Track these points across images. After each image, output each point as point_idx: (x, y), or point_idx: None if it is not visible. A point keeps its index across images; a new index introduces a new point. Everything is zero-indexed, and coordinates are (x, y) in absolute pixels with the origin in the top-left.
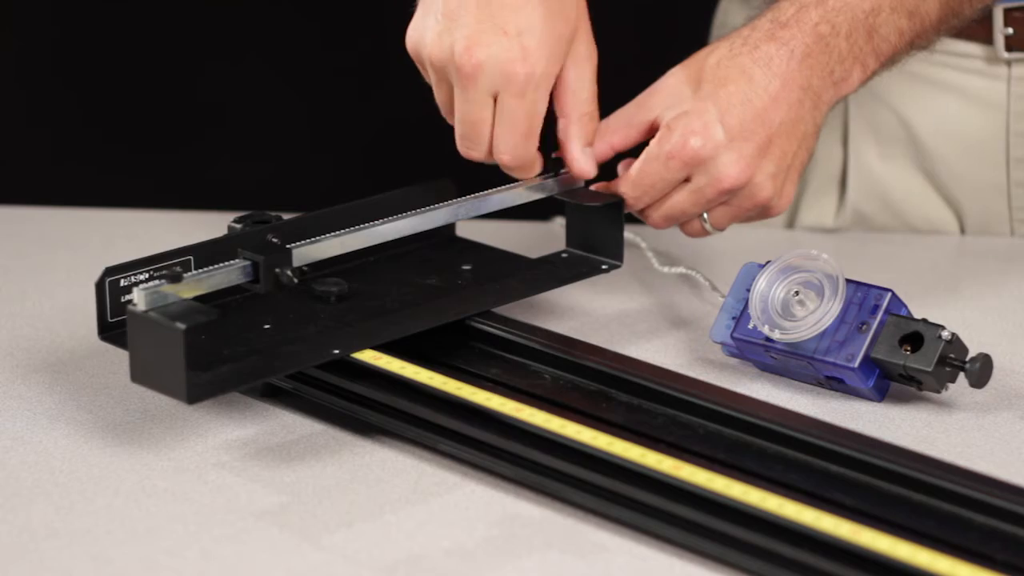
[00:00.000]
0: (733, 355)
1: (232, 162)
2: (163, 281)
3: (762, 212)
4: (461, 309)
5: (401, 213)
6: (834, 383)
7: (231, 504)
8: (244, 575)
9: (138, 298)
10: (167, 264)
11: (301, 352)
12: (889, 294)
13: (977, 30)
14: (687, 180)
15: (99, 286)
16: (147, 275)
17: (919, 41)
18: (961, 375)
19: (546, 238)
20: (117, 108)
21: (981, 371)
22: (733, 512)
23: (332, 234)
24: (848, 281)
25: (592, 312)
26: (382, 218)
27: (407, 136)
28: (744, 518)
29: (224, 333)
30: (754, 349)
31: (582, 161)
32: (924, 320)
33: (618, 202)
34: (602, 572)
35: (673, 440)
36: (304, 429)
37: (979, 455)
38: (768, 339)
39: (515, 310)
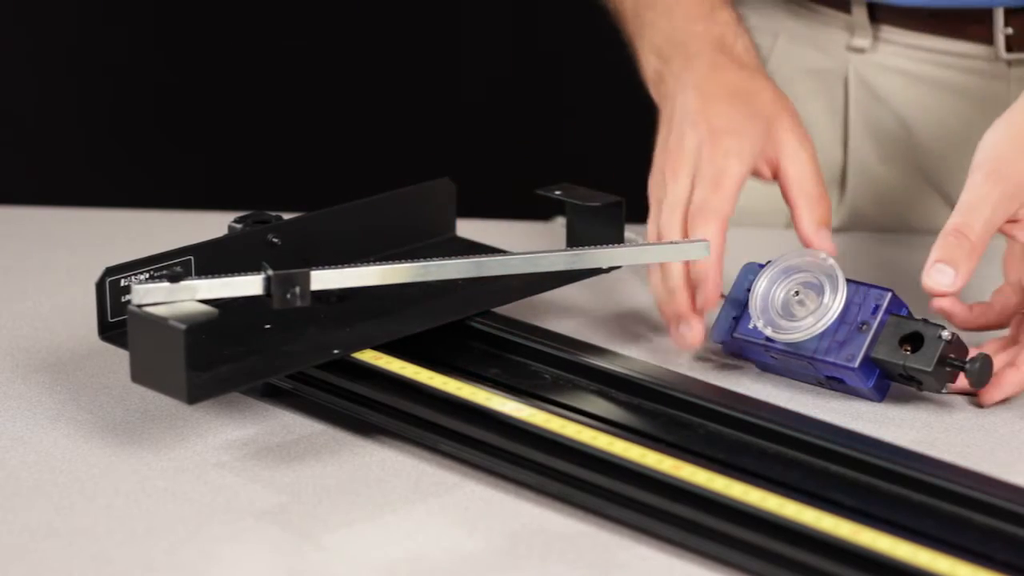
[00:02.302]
0: (733, 355)
1: (232, 162)
2: (164, 281)
3: None
4: (461, 309)
5: (460, 254)
6: (834, 383)
7: (231, 504)
8: (244, 575)
9: (138, 297)
10: (167, 264)
11: (301, 352)
12: (889, 294)
13: (977, 31)
14: None
15: (99, 286)
16: (147, 275)
17: None
18: (961, 376)
19: (546, 238)
20: (117, 108)
21: (981, 371)
22: (733, 512)
23: (365, 265)
24: (848, 281)
25: (592, 312)
26: (381, 219)
27: (407, 136)
28: (744, 518)
29: (224, 333)
30: (754, 349)
31: (816, 239)
32: (924, 320)
33: (618, 202)
34: (602, 572)
35: (673, 440)
36: (304, 429)
37: (979, 455)
38: (768, 339)
39: (515, 310)
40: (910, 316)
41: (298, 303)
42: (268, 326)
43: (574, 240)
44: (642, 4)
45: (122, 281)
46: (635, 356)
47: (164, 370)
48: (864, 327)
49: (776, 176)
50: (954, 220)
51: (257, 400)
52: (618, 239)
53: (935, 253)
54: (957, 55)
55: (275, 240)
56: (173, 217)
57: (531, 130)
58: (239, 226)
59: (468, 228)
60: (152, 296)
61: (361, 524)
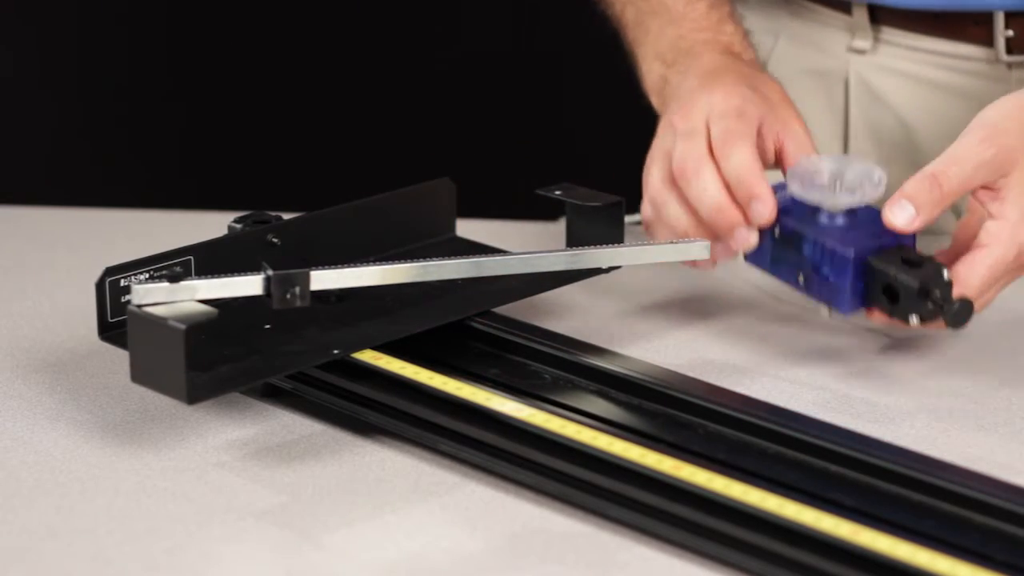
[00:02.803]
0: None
1: (232, 162)
2: (164, 281)
3: None
4: (461, 309)
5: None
6: (814, 279)
7: (231, 504)
8: (244, 575)
9: (138, 297)
10: (167, 264)
11: (301, 352)
12: (914, 237)
13: (978, 33)
14: None
15: (99, 286)
16: (147, 275)
17: None
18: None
19: (546, 238)
20: (117, 108)
21: (959, 312)
22: (733, 512)
23: (368, 265)
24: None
25: (592, 312)
26: (381, 219)
27: (407, 136)
28: (744, 518)
29: (224, 333)
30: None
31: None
32: (936, 261)
33: (618, 202)
34: (602, 572)
35: (673, 440)
36: (304, 429)
37: (979, 455)
38: (791, 205)
39: (515, 310)
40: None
41: (298, 303)
42: (268, 326)
43: (574, 240)
44: (646, 12)
45: (122, 281)
46: (635, 356)
47: (164, 370)
48: (877, 236)
49: (777, 154)
50: (934, 166)
51: (257, 400)
52: (618, 239)
53: (905, 188)
54: (958, 57)
55: (275, 240)
56: (173, 217)
57: (531, 130)
58: (239, 226)
59: (468, 228)
60: (152, 296)
61: (361, 524)
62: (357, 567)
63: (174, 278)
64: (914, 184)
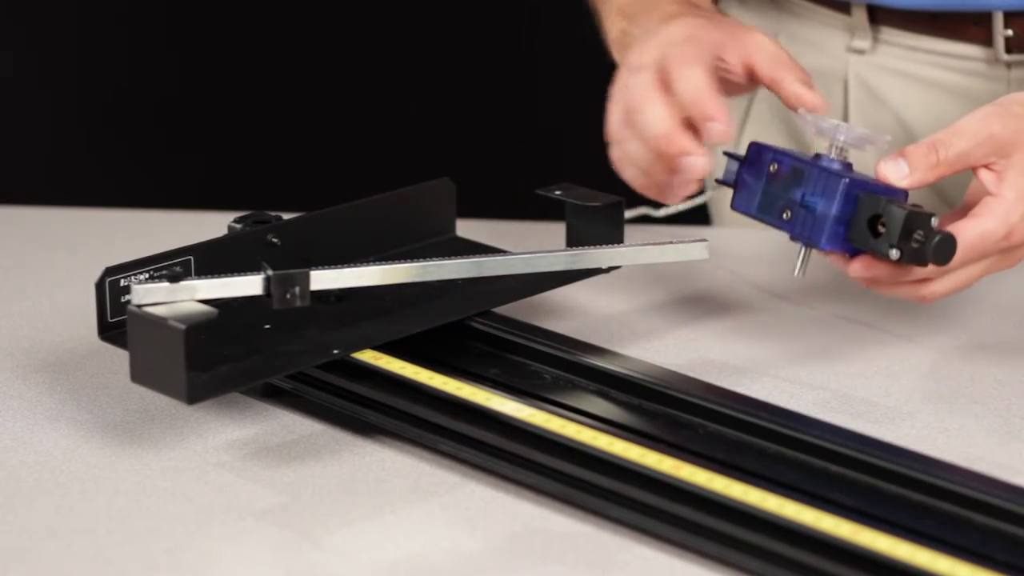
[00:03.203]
0: (726, 181)
1: (232, 162)
2: (163, 281)
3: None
4: (461, 309)
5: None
6: (800, 214)
7: (231, 504)
8: (244, 575)
9: (138, 297)
10: (167, 264)
11: (301, 352)
12: (905, 193)
13: (977, 32)
14: None
15: (99, 286)
16: (147, 275)
17: None
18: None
19: (546, 238)
20: (117, 108)
21: (941, 244)
22: (733, 512)
23: (371, 264)
24: None
25: (592, 312)
26: (381, 219)
27: (407, 136)
28: (744, 518)
29: (224, 333)
30: (763, 162)
31: (807, 96)
32: (929, 211)
33: (618, 202)
34: (602, 572)
35: (673, 440)
36: (304, 429)
37: (979, 455)
38: (787, 152)
39: (515, 310)
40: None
41: (298, 303)
42: (268, 326)
43: (574, 240)
44: None
45: (122, 281)
46: (635, 356)
47: (164, 370)
48: (869, 184)
49: (749, 72)
50: (939, 134)
51: (257, 400)
52: (618, 239)
53: (906, 148)
54: (957, 57)
55: (275, 240)
56: (173, 217)
57: (531, 130)
58: (239, 226)
59: (468, 228)
60: (152, 296)
61: (361, 524)
62: (357, 567)
63: (174, 278)
64: (914, 146)
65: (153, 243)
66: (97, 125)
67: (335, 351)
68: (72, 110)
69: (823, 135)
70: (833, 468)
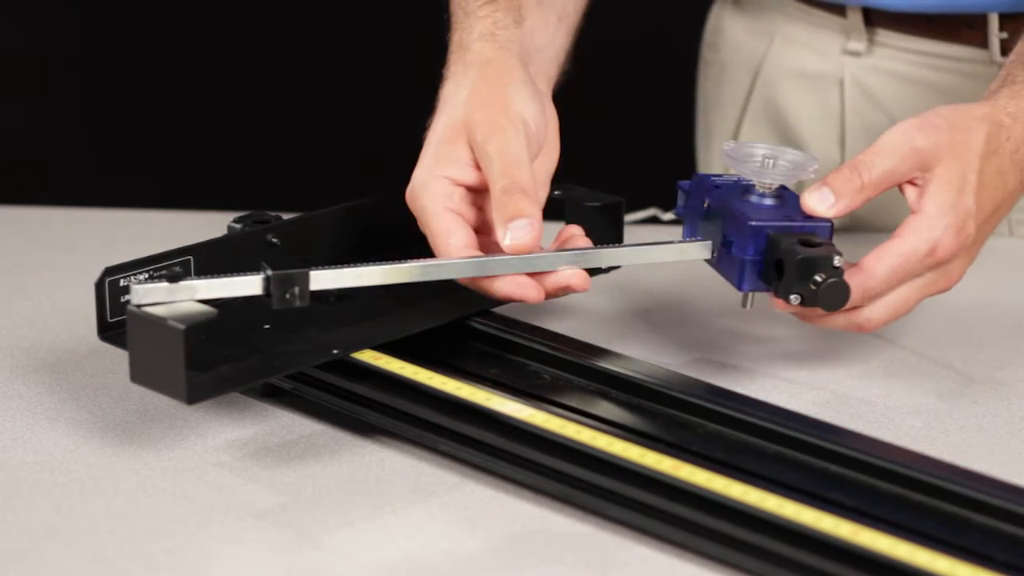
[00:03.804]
0: (679, 212)
1: (232, 162)
2: (163, 281)
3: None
4: (461, 309)
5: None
6: (723, 254)
7: (231, 504)
8: (244, 575)
9: (137, 297)
10: (167, 264)
11: (300, 352)
12: (829, 224)
13: (972, 35)
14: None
15: (99, 286)
16: (147, 275)
17: None
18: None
19: (546, 238)
20: (117, 108)
21: (829, 289)
22: (733, 512)
23: (374, 265)
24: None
25: (592, 312)
26: (383, 220)
27: (408, 136)
28: (744, 518)
29: (224, 333)
30: (699, 197)
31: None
32: (836, 249)
33: (618, 202)
34: (601, 572)
35: (673, 440)
36: (304, 429)
37: (979, 455)
38: (721, 183)
39: (515, 310)
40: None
41: (297, 303)
42: (267, 326)
43: None
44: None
45: (121, 281)
46: (635, 356)
47: (163, 370)
48: (790, 219)
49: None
50: (860, 156)
51: (257, 400)
52: (618, 239)
53: (828, 177)
54: (952, 59)
55: (275, 240)
56: (173, 217)
57: None
58: (239, 226)
59: None
60: (151, 296)
61: (361, 524)
62: (357, 567)
63: (173, 278)
64: (835, 172)
65: (153, 243)
66: (97, 125)
67: (335, 351)
68: (72, 110)
69: (751, 168)
70: (833, 468)
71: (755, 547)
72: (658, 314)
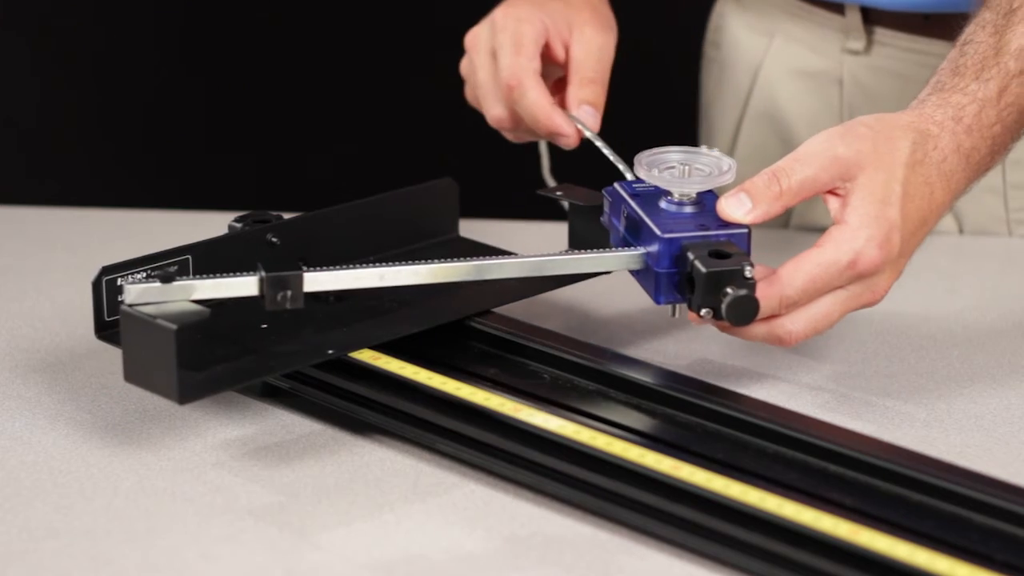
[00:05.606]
0: (603, 222)
1: (232, 162)
2: (157, 280)
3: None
4: (461, 309)
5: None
6: (642, 269)
7: (230, 504)
8: (243, 575)
9: (131, 297)
10: (164, 263)
11: (296, 352)
12: (747, 231)
13: None
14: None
15: (96, 285)
16: (144, 274)
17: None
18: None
19: (546, 238)
20: (117, 108)
21: (736, 303)
22: (732, 512)
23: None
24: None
25: (592, 312)
26: (382, 219)
27: (408, 136)
28: (743, 518)
29: (219, 332)
30: (618, 206)
31: (575, 110)
32: (748, 260)
33: None
34: (601, 572)
35: (673, 440)
36: (303, 429)
37: (979, 455)
38: (641, 190)
39: (515, 310)
40: (747, 252)
41: (288, 306)
42: (264, 326)
43: (574, 240)
44: None
45: (118, 280)
46: (635, 356)
47: (156, 370)
48: (703, 227)
49: (565, 57)
50: (780, 162)
51: (255, 400)
52: None
53: (746, 182)
54: None
55: (275, 240)
56: (172, 217)
57: None
58: (239, 226)
59: (470, 228)
60: (145, 296)
61: (359, 524)
62: (355, 567)
63: (166, 278)
64: (754, 178)
65: (152, 243)
66: (97, 125)
67: (330, 351)
68: (72, 110)
69: (665, 177)
70: (832, 468)
71: (755, 547)
72: (658, 314)
